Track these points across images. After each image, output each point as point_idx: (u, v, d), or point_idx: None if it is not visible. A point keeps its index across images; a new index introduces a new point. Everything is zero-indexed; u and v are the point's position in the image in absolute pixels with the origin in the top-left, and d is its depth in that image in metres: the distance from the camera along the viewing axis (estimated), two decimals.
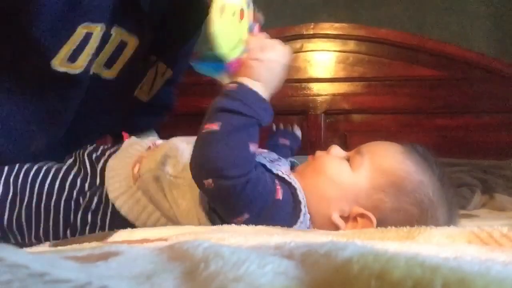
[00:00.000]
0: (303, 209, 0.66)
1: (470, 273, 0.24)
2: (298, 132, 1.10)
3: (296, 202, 0.66)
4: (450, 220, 0.68)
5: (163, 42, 0.84)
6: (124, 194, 0.70)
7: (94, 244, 0.49)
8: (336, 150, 0.74)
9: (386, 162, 0.68)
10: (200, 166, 0.62)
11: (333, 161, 0.71)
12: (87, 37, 0.70)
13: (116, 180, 0.72)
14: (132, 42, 0.77)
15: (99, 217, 0.71)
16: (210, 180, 0.60)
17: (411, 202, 0.65)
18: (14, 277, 0.24)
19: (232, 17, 0.68)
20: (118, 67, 0.78)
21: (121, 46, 0.76)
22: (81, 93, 0.76)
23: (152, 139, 0.80)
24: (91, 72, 0.75)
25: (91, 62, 0.73)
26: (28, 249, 0.54)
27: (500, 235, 0.44)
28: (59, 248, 0.51)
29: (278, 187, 0.64)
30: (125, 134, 0.99)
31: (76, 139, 0.83)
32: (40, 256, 0.34)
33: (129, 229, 0.62)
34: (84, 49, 0.71)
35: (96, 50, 0.73)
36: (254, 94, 0.64)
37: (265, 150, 0.78)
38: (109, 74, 0.79)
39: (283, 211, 0.64)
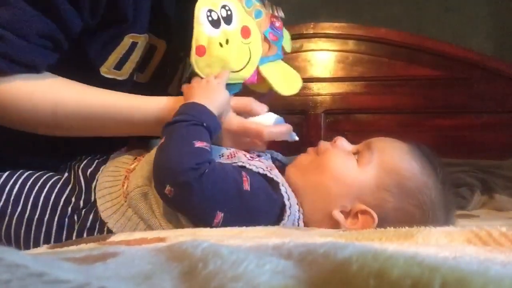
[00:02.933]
0: (287, 202, 0.65)
1: (469, 272, 0.24)
2: None
3: (278, 195, 0.65)
4: (448, 220, 0.68)
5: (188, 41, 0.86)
6: (116, 213, 0.69)
7: (92, 245, 0.49)
8: (342, 142, 0.73)
9: (394, 161, 0.68)
10: (156, 178, 0.64)
11: (340, 156, 0.71)
12: (133, 46, 0.75)
13: (107, 199, 0.71)
14: (161, 46, 0.80)
15: (95, 234, 0.70)
16: (168, 187, 0.61)
17: (414, 203, 0.66)
18: (13, 276, 0.24)
19: (227, 45, 0.74)
20: (150, 71, 0.82)
21: (151, 50, 0.80)
22: None
23: (138, 150, 0.80)
24: (134, 78, 0.80)
25: (134, 70, 0.79)
26: (26, 251, 0.54)
27: (499, 234, 0.44)
28: (57, 249, 0.51)
29: (245, 178, 0.64)
30: None
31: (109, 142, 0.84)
32: (39, 256, 0.34)
33: (127, 232, 0.62)
34: (130, 58, 0.76)
35: (140, 59, 0.78)
36: (190, 104, 0.69)
37: (242, 150, 0.76)
38: (141, 78, 0.83)
39: (258, 202, 0.64)
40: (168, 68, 0.86)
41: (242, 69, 0.76)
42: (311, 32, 1.75)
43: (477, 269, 0.25)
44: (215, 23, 0.74)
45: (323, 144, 0.74)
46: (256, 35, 0.77)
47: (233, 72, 0.75)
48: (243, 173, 0.65)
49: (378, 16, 1.81)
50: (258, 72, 0.78)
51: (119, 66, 0.77)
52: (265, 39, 0.79)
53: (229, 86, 0.74)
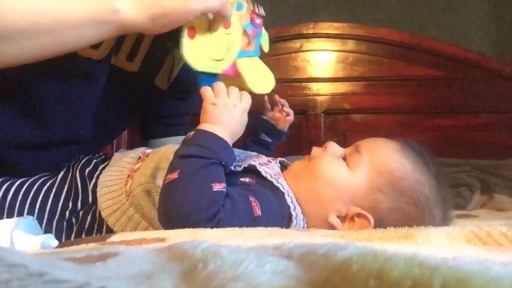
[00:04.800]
0: (293, 213, 0.66)
1: (469, 273, 0.24)
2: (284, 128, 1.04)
3: (285, 207, 0.66)
4: (445, 216, 0.68)
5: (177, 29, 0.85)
6: (117, 212, 0.69)
7: (92, 245, 0.49)
8: (332, 147, 0.73)
9: (384, 161, 0.68)
10: (165, 217, 0.60)
11: (330, 161, 0.71)
12: None
13: (108, 197, 0.70)
14: None
15: (93, 235, 0.69)
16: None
17: (408, 201, 0.66)
18: (13, 276, 0.24)
19: (208, 32, 0.71)
20: (140, 59, 0.80)
21: (140, 36, 0.77)
22: (100, 84, 0.76)
23: (142, 149, 0.79)
24: (112, 62, 0.76)
25: (111, 50, 0.73)
26: (26, 251, 0.54)
27: (499, 234, 0.44)
28: (57, 249, 0.51)
29: (254, 203, 0.63)
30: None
31: (99, 135, 0.82)
32: (39, 256, 0.34)
33: (127, 232, 0.62)
34: None
35: (116, 42, 0.73)
36: (211, 135, 0.64)
37: (254, 153, 0.77)
38: (132, 67, 0.80)
39: (270, 223, 0.62)
40: (156, 55, 0.84)
41: (221, 60, 0.72)
42: (311, 32, 1.75)
43: (477, 269, 0.25)
44: None
45: (314, 150, 0.74)
46: (236, 27, 0.75)
47: (213, 61, 0.71)
48: (251, 198, 0.64)
49: (378, 16, 1.82)
50: (235, 65, 0.75)
51: (96, 43, 0.69)
52: (245, 32, 0.78)
53: (206, 76, 0.71)
